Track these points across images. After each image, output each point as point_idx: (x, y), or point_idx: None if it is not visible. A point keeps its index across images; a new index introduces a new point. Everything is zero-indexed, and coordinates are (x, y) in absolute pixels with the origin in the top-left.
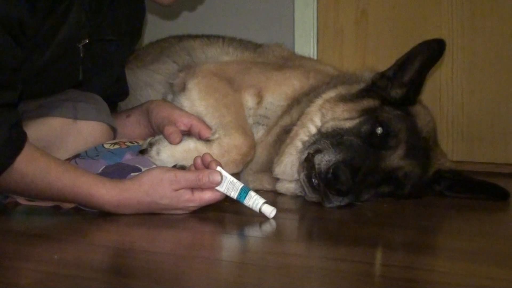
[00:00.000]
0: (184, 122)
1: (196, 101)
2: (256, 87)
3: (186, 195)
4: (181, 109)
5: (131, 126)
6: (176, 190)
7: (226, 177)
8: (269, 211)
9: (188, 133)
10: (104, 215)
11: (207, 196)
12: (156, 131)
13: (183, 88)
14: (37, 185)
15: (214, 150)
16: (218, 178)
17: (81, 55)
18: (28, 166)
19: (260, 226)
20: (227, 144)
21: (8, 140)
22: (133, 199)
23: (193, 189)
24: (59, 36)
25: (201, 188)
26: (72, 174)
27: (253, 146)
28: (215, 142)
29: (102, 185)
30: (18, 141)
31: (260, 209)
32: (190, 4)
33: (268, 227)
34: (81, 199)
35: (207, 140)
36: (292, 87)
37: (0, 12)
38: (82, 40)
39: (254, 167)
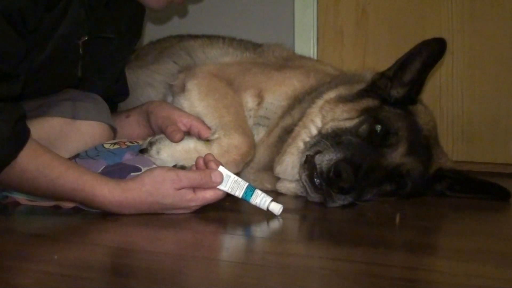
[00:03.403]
0: (183, 122)
1: (196, 101)
2: (256, 88)
3: (189, 194)
4: (180, 110)
5: (131, 127)
6: (178, 189)
7: (230, 176)
8: (277, 208)
9: (188, 133)
10: (104, 215)
11: (209, 195)
12: (156, 131)
13: (182, 89)
14: (39, 182)
15: (214, 150)
16: (220, 177)
17: (80, 51)
18: (31, 161)
19: (260, 226)
20: (227, 144)
21: (12, 134)
22: (135, 199)
23: (194, 188)
24: (58, 32)
25: (203, 187)
26: (75, 172)
27: (252, 146)
28: (215, 142)
29: (105, 185)
30: (21, 136)
31: (268, 207)
32: (181, 9)
33: (269, 227)
34: (83, 198)
35: (207, 140)
36: (292, 87)
37: (2, 2)
38: (81, 37)
39: (256, 166)
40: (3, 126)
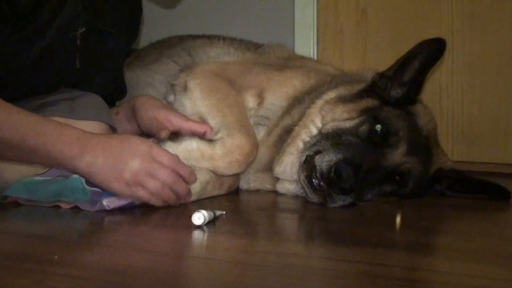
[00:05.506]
0: (172, 122)
1: (198, 101)
2: (257, 88)
3: (160, 170)
4: (166, 109)
5: (121, 123)
6: (150, 159)
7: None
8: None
9: (177, 133)
10: (104, 215)
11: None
12: (145, 131)
13: (184, 88)
14: (9, 141)
15: (217, 150)
16: (193, 176)
17: (78, 42)
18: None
19: (260, 226)
20: (230, 144)
21: None
22: (102, 140)
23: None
24: (55, 23)
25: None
26: (44, 127)
27: (256, 146)
28: (218, 142)
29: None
30: None
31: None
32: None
33: (269, 227)
34: (54, 160)
35: (209, 140)
36: (293, 88)
37: None
38: (79, 28)
39: (255, 166)
40: None
